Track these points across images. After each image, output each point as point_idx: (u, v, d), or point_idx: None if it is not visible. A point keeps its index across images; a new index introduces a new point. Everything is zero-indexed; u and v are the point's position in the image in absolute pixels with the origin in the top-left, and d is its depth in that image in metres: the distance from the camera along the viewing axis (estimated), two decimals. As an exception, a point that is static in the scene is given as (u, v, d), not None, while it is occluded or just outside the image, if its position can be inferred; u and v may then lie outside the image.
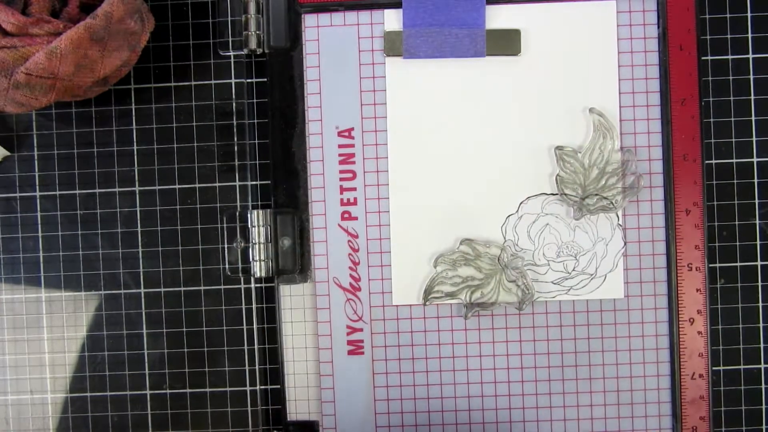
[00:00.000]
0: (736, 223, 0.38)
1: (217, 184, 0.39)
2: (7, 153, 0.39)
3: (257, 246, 0.37)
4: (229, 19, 0.38)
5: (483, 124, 0.37)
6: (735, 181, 0.37)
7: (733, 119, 0.37)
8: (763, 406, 0.38)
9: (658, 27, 0.36)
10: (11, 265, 0.39)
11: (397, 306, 0.37)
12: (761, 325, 0.38)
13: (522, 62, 0.37)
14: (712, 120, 0.38)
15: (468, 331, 0.37)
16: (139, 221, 0.39)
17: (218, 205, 0.39)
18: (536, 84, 0.37)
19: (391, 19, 0.37)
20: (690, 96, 0.36)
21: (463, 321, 0.37)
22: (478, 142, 0.37)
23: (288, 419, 0.38)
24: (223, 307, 0.39)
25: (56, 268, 0.39)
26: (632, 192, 0.36)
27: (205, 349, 0.39)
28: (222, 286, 0.39)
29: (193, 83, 0.39)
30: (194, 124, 0.39)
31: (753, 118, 0.37)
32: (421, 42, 0.37)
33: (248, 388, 0.39)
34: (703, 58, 0.37)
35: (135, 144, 0.39)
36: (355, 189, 0.37)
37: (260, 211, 0.37)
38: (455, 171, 0.37)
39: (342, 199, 0.37)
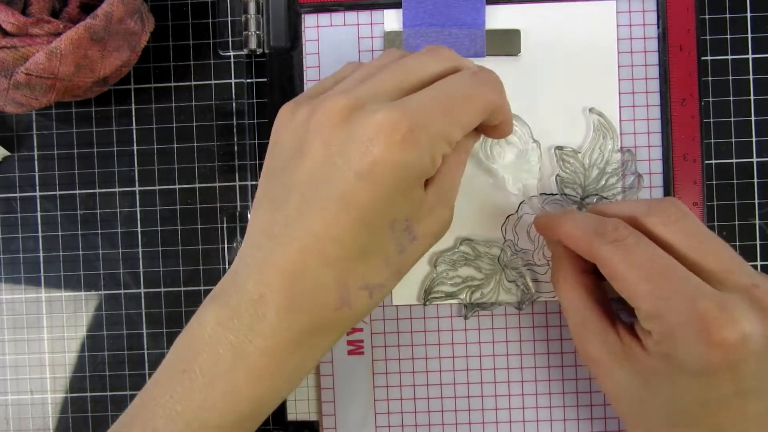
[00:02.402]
0: (736, 223, 0.37)
1: (217, 184, 0.39)
2: (7, 153, 0.39)
3: (257, 246, 0.37)
4: (229, 19, 0.38)
5: (483, 124, 0.37)
6: (735, 181, 0.37)
7: (733, 119, 0.37)
8: (763, 406, 0.38)
9: (658, 27, 0.36)
10: (11, 265, 0.39)
11: (397, 306, 0.37)
12: (761, 325, 0.38)
13: (522, 62, 0.37)
14: (712, 120, 0.38)
15: (468, 331, 0.37)
16: (139, 221, 0.39)
17: (218, 205, 0.39)
18: (536, 84, 0.37)
19: (391, 19, 0.37)
20: (690, 96, 0.36)
21: (463, 321, 0.37)
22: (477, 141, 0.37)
23: (288, 419, 0.38)
24: (223, 307, 0.39)
25: (56, 268, 0.39)
26: (632, 192, 0.36)
27: (205, 349, 0.38)
28: (222, 286, 0.39)
29: (193, 83, 0.39)
30: (194, 124, 0.39)
31: (753, 118, 0.37)
32: (421, 42, 0.37)
33: (248, 388, 0.39)
34: (703, 58, 0.37)
35: (135, 144, 0.39)
36: (355, 189, 0.37)
37: (260, 211, 0.37)
38: (455, 171, 0.37)
39: (342, 199, 0.37)
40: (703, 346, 0.25)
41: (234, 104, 0.39)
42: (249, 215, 0.37)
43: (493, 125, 0.30)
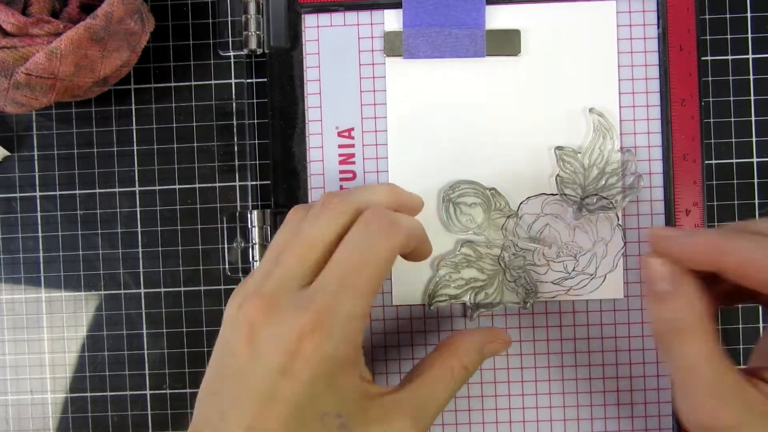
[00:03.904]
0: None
1: (217, 184, 0.39)
2: (7, 153, 0.39)
3: (257, 246, 0.37)
4: (229, 19, 0.38)
5: (483, 125, 0.37)
6: (735, 181, 0.37)
7: (733, 119, 0.38)
8: (763, 406, 0.38)
9: (658, 27, 0.36)
10: (11, 265, 0.39)
11: (396, 306, 0.37)
12: (761, 325, 0.38)
13: (522, 62, 0.37)
14: (712, 120, 0.38)
15: (468, 331, 0.37)
16: (139, 221, 0.39)
17: (218, 205, 0.39)
18: (536, 84, 0.37)
19: (391, 19, 0.37)
20: (690, 96, 0.36)
21: (463, 321, 0.37)
22: (477, 142, 0.37)
23: (288, 419, 0.38)
24: (223, 307, 0.38)
25: (56, 268, 0.39)
26: (632, 192, 0.36)
27: (205, 349, 0.38)
28: (222, 286, 0.39)
29: (193, 83, 0.39)
30: (194, 124, 0.39)
31: (753, 118, 0.37)
32: (421, 42, 0.37)
33: (248, 388, 0.39)
34: (703, 58, 0.37)
35: (135, 144, 0.39)
36: (355, 189, 0.37)
37: (260, 211, 0.37)
38: (455, 171, 0.37)
39: (342, 199, 0.37)
40: None
41: (234, 104, 0.39)
42: (248, 215, 0.37)
43: (411, 252, 0.31)
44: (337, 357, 0.27)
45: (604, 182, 0.36)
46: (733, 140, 0.38)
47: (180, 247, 0.39)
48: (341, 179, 0.37)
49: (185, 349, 0.39)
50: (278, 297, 0.28)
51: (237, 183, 0.39)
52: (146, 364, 0.39)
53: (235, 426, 0.27)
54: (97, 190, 0.39)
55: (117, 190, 0.39)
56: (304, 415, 0.27)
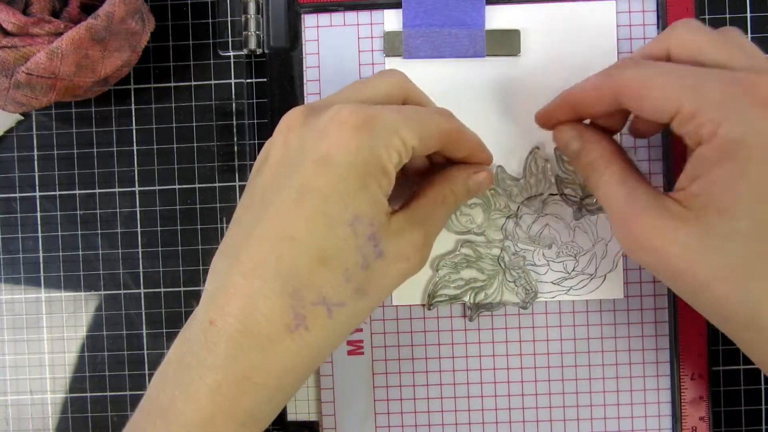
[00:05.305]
0: (736, 223, 0.37)
1: (217, 184, 0.39)
2: (21, 117, 0.38)
3: (257, 246, 0.37)
4: (229, 19, 0.38)
5: (483, 125, 0.37)
6: (735, 181, 0.37)
7: (732, 119, 0.37)
8: (763, 406, 0.38)
9: (658, 27, 0.36)
10: (11, 265, 0.39)
11: (396, 306, 0.37)
12: (761, 325, 0.38)
13: (522, 62, 0.37)
14: (711, 120, 0.37)
15: (468, 331, 0.37)
16: (139, 221, 0.39)
17: (218, 205, 0.39)
18: (536, 84, 0.37)
19: (391, 20, 0.37)
20: (690, 96, 0.36)
21: (463, 321, 0.37)
22: (478, 142, 0.37)
23: (288, 419, 0.38)
24: (223, 307, 0.39)
25: (56, 268, 0.39)
26: (632, 192, 0.36)
27: (205, 349, 0.38)
28: (222, 286, 0.39)
29: (193, 83, 0.39)
30: (194, 124, 0.39)
31: (753, 118, 0.37)
32: (421, 42, 0.37)
33: (248, 388, 0.39)
34: (703, 58, 0.37)
35: (135, 144, 0.39)
36: (355, 189, 0.37)
37: (260, 211, 0.37)
38: (455, 171, 0.37)
39: (342, 199, 0.37)
40: (758, 108, 0.24)
41: (234, 104, 0.39)
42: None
43: (464, 157, 0.31)
44: (374, 156, 0.26)
45: (604, 182, 0.36)
46: (733, 140, 0.37)
47: (180, 247, 0.39)
48: (341, 179, 0.37)
49: (185, 349, 0.38)
50: (323, 106, 0.27)
51: (237, 183, 0.39)
52: (146, 365, 0.39)
53: (257, 240, 0.26)
54: (97, 190, 0.39)
55: (117, 190, 0.39)
56: (334, 213, 0.25)
